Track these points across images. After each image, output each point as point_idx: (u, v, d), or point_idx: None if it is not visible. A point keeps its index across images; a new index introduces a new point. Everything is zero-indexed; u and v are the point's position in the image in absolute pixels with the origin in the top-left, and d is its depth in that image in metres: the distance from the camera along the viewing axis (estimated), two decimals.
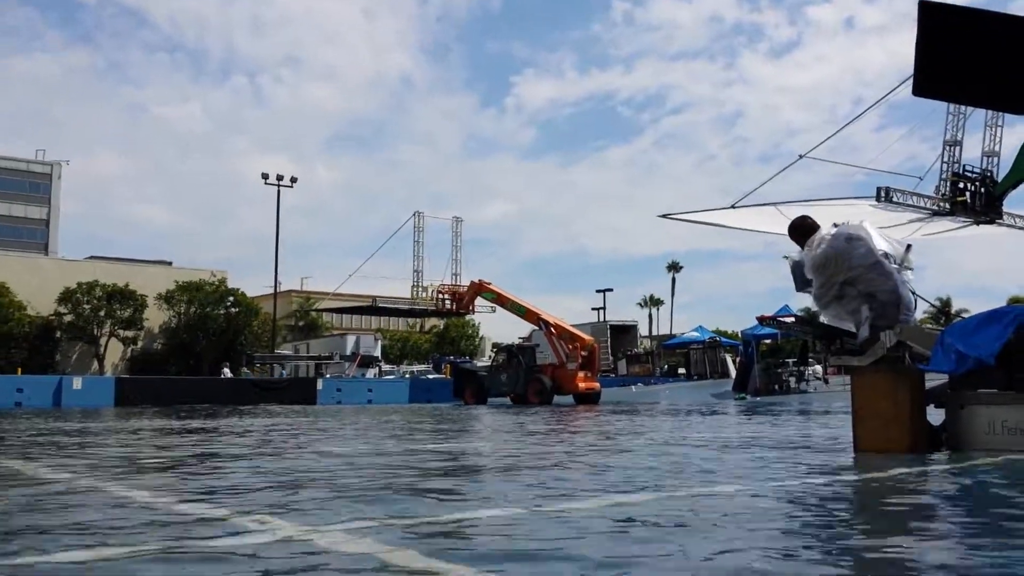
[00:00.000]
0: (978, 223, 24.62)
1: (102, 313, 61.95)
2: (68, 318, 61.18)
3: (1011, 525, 3.15)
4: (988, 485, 4.49)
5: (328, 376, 38.92)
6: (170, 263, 75.34)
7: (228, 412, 18.57)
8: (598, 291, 61.59)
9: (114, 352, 64.61)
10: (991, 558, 2.50)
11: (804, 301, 7.03)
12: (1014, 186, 23.25)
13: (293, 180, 49.43)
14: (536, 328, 30.17)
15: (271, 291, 51.12)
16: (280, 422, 13.26)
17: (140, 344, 65.63)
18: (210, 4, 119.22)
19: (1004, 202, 24.53)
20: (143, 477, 5.21)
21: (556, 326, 29.58)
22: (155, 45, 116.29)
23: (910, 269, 7.11)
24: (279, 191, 48.29)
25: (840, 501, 4.13)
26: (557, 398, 28.01)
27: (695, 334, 44.13)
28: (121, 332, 63.38)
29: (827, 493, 4.29)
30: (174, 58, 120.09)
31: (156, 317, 65.07)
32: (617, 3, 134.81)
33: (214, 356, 61.90)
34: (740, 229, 21.67)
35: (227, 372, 44.03)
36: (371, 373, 42.55)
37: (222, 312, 64.65)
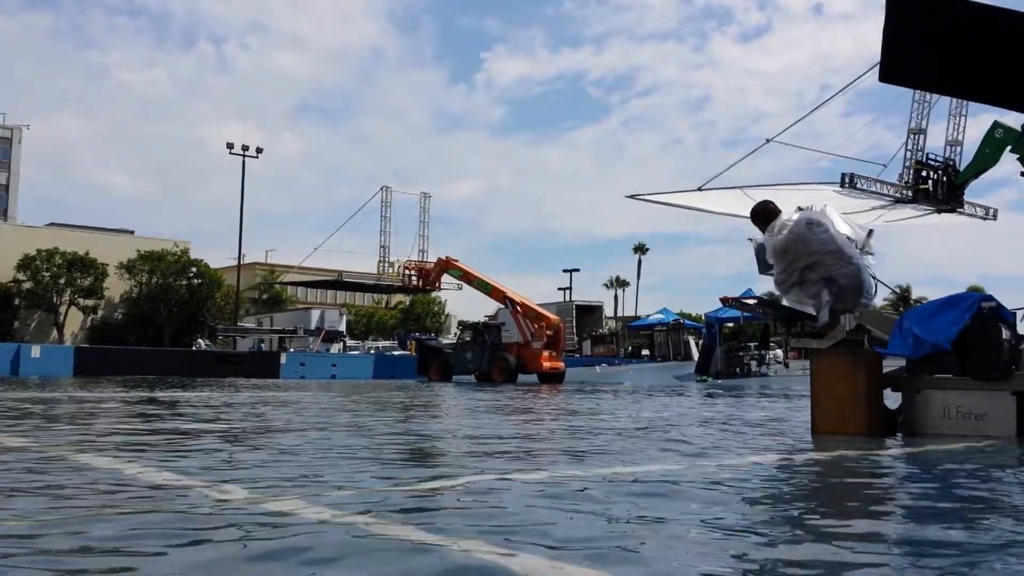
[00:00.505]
0: (940, 211, 24.97)
1: (62, 281, 60.78)
2: (27, 285, 59.98)
3: (947, 506, 3.20)
4: (933, 470, 4.56)
5: (292, 350, 38.65)
6: (132, 232, 74.02)
7: (191, 385, 18.37)
8: (565, 271, 61.80)
9: (74, 321, 63.53)
10: (920, 540, 2.53)
11: (767, 285, 7.08)
12: (976, 175, 23.76)
13: (259, 151, 48.82)
14: (502, 307, 30.19)
15: (235, 263, 50.56)
16: (242, 399, 13.14)
17: (100, 313, 64.58)
18: None
19: (965, 191, 24.91)
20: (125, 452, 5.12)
21: (522, 305, 29.61)
22: (117, 8, 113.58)
23: (871, 254, 7.18)
24: (244, 161, 47.68)
25: (786, 479, 4.17)
26: (521, 377, 28.09)
27: (660, 316, 44.39)
28: (81, 301, 62.28)
29: (775, 471, 4.33)
30: (136, 22, 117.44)
31: (117, 287, 64.02)
32: None
33: (175, 327, 61.15)
34: (706, 212, 21.74)
35: (202, 344, 43.55)
36: (335, 348, 42.29)
37: (184, 283, 63.75)
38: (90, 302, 62.66)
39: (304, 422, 7.46)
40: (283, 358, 33.30)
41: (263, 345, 41.62)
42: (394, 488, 3.43)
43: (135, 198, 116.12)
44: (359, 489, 3.38)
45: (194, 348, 39.04)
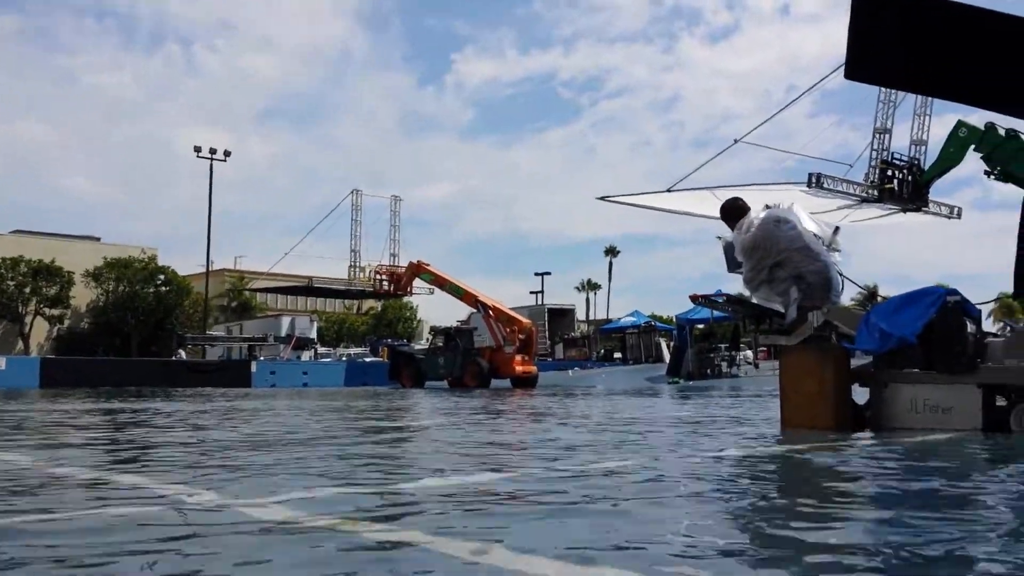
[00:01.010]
0: (905, 211, 25.26)
1: (27, 290, 59.85)
2: None
3: (911, 498, 3.19)
4: (897, 462, 4.57)
5: (262, 358, 38.27)
6: (98, 239, 73.08)
7: (162, 395, 18.13)
8: (536, 274, 61.79)
9: (39, 331, 62.58)
10: (881, 532, 2.52)
11: (737, 285, 7.09)
12: (940, 175, 24.03)
13: (227, 154, 48.30)
14: (474, 311, 30.08)
15: (203, 269, 50.01)
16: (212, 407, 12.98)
17: (67, 323, 63.66)
18: None
19: (930, 190, 25.23)
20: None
21: (494, 309, 29.53)
22: (84, 10, 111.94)
23: (838, 251, 7.22)
24: (212, 165, 47.19)
25: (753, 473, 4.16)
26: (494, 381, 28.01)
27: (631, 319, 44.51)
28: (47, 310, 61.36)
29: (742, 466, 4.32)
30: (103, 24, 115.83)
31: (83, 295, 63.14)
32: None
33: (143, 336, 60.40)
34: (676, 213, 21.82)
35: (182, 355, 42.94)
36: (307, 356, 41.94)
37: (152, 291, 63.01)
38: (56, 311, 61.74)
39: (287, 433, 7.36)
40: (254, 367, 32.94)
41: (230, 353, 41.12)
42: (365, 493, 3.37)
43: (101, 203, 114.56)
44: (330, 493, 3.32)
45: (174, 359, 38.54)
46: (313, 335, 46.06)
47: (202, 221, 47.57)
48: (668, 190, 20.82)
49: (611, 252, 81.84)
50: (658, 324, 43.63)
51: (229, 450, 5.26)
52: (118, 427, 7.61)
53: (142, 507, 2.88)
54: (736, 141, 22.08)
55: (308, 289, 48.52)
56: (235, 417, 9.05)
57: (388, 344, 44.79)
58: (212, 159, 47.16)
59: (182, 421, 8.29)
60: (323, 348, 48.90)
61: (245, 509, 2.81)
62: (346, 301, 66.54)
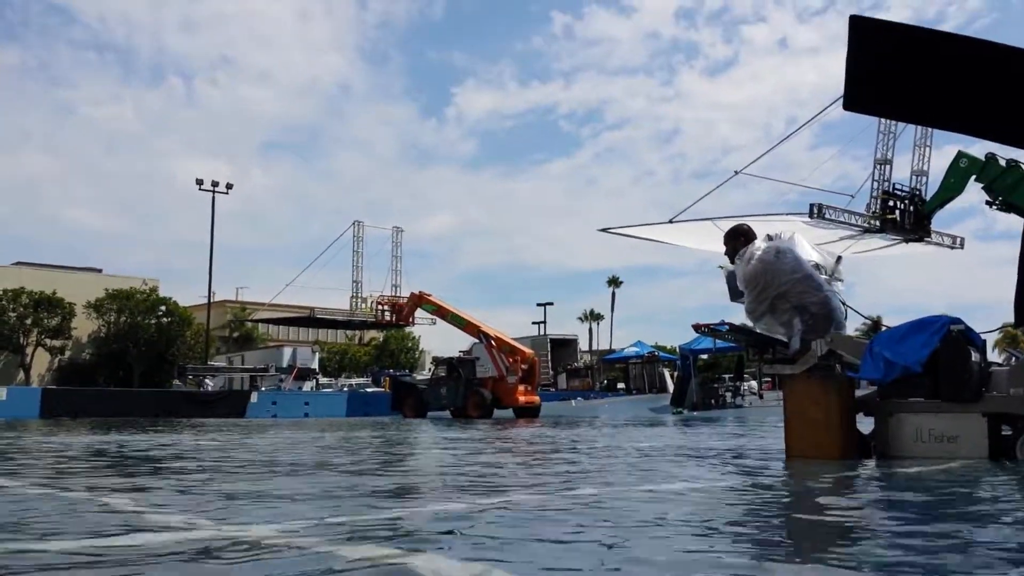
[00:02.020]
0: (908, 241, 25.27)
1: (28, 321, 59.90)
2: None
3: (918, 528, 3.17)
4: (904, 493, 4.54)
5: (263, 389, 38.17)
6: (100, 270, 73.26)
7: (161, 427, 18.04)
8: (539, 304, 61.71)
9: (41, 362, 62.53)
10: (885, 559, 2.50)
11: (741, 314, 7.09)
12: (941, 205, 24.00)
13: (229, 186, 48.60)
14: (476, 341, 30.04)
15: (205, 301, 50.07)
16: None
17: (68, 354, 63.63)
18: (139, 2, 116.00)
19: (932, 221, 25.26)
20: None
21: (496, 339, 29.49)
22: (84, 44, 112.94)
23: (840, 281, 7.22)
24: (214, 197, 47.43)
25: (759, 503, 4.13)
26: (497, 412, 27.90)
27: (634, 349, 44.46)
28: (48, 341, 61.35)
29: (748, 495, 4.28)
30: (103, 57, 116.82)
31: (85, 326, 63.18)
32: (557, 16, 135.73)
33: (145, 367, 60.33)
34: (677, 245, 21.83)
35: (180, 385, 42.84)
36: (308, 386, 41.86)
37: (153, 322, 63.03)
38: (57, 342, 61.75)
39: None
40: (254, 397, 32.85)
41: (231, 383, 40.98)
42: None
43: (103, 235, 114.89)
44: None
45: (173, 389, 38.51)
46: (315, 365, 46.04)
47: (203, 253, 47.83)
48: (670, 221, 20.83)
49: (614, 282, 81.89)
50: (661, 354, 43.59)
51: (235, 476, 5.23)
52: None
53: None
54: (737, 172, 22.14)
55: (310, 320, 48.53)
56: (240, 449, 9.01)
57: (390, 374, 44.75)
58: (214, 191, 47.43)
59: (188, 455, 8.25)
60: (325, 379, 48.84)
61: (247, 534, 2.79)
62: (348, 332, 66.57)
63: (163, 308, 63.28)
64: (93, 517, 3.41)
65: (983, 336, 6.30)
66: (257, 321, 66.00)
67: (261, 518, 3.29)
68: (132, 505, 3.77)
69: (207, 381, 40.33)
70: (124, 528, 3.09)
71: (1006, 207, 19.59)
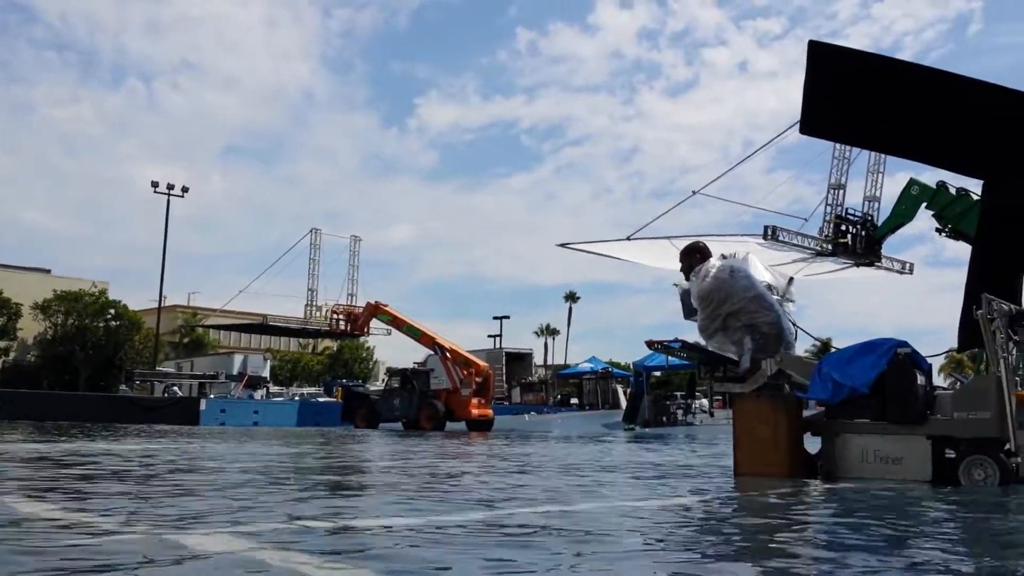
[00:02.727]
0: (858, 265, 25.76)
1: None
2: None
3: (853, 544, 3.19)
4: (840, 511, 4.58)
5: (212, 396, 37.54)
6: (48, 271, 71.59)
7: (109, 433, 17.64)
8: (495, 318, 61.66)
9: None
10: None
11: (695, 332, 7.13)
12: (893, 231, 24.61)
13: (184, 190, 47.83)
14: (431, 353, 29.90)
15: (155, 305, 49.19)
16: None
17: (12, 355, 61.99)
18: (104, 2, 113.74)
19: (883, 246, 25.79)
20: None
21: (452, 351, 29.38)
22: (44, 43, 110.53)
23: (792, 302, 7.32)
24: (169, 200, 46.69)
25: (705, 519, 4.13)
26: (449, 424, 27.76)
27: (589, 365, 44.57)
28: None
29: (695, 512, 4.29)
30: (63, 57, 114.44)
31: (31, 327, 61.61)
32: (522, 32, 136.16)
33: (92, 371, 59.02)
34: (635, 262, 22.00)
35: (127, 390, 41.93)
36: (258, 394, 41.24)
37: (102, 325, 61.68)
38: (2, 343, 60.15)
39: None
40: (203, 404, 32.29)
41: (176, 390, 40.21)
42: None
43: (57, 236, 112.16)
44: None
45: (120, 394, 37.64)
46: (266, 373, 45.39)
47: (158, 257, 47.02)
48: (628, 238, 21.00)
49: (571, 298, 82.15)
50: (615, 371, 43.75)
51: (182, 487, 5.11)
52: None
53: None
54: (695, 193, 22.44)
55: (262, 327, 47.93)
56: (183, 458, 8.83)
57: (342, 384, 44.29)
58: (170, 194, 46.70)
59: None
60: (276, 387, 48.19)
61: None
62: (301, 340, 65.87)
63: (112, 311, 61.97)
64: None
65: (929, 360, 6.41)
66: (208, 327, 65.03)
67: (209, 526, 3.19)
68: None
69: (175, 389, 39.48)
70: None
71: (955, 235, 20.14)
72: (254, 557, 2.57)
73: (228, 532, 3.07)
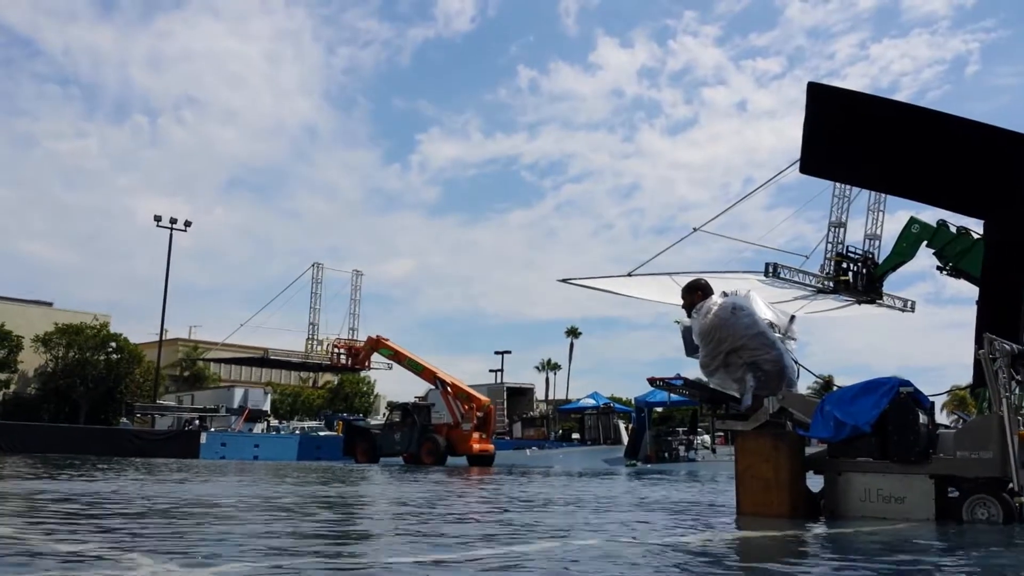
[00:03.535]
0: (859, 303, 25.78)
1: None
2: None
3: None
4: (848, 552, 4.57)
5: (213, 429, 37.44)
6: (50, 304, 71.69)
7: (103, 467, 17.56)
8: (497, 352, 61.60)
9: None
10: None
11: (696, 369, 7.15)
12: (893, 269, 24.67)
13: (187, 224, 48.14)
14: (432, 387, 29.87)
15: (156, 338, 49.20)
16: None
17: (13, 388, 61.86)
18: (106, 37, 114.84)
19: (884, 284, 25.83)
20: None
21: (453, 386, 29.36)
22: (47, 76, 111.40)
23: (793, 339, 7.33)
24: (172, 234, 46.94)
25: (707, 559, 4.13)
26: (450, 459, 27.64)
27: (590, 400, 44.45)
28: None
29: (697, 551, 4.28)
30: (67, 91, 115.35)
31: (32, 360, 61.54)
32: (523, 71, 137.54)
33: (92, 404, 58.85)
34: (635, 298, 22.04)
35: (128, 423, 41.77)
36: (259, 428, 41.14)
37: (103, 358, 61.61)
38: (2, 376, 60.05)
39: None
40: (203, 438, 32.21)
41: (181, 423, 40.11)
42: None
43: (57, 269, 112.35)
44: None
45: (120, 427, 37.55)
46: (266, 407, 45.35)
47: (159, 290, 47.13)
48: (629, 274, 21.06)
49: (572, 333, 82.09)
50: (617, 406, 43.62)
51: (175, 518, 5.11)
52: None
53: None
54: (695, 230, 22.52)
55: (263, 361, 47.89)
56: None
57: (343, 418, 44.15)
58: (172, 228, 46.96)
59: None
60: (276, 421, 48.05)
61: None
62: (302, 374, 65.73)
63: (113, 344, 61.92)
64: None
65: (931, 398, 6.41)
66: (209, 360, 64.93)
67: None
68: None
69: (161, 419, 39.34)
70: None
71: (956, 273, 20.21)
72: None
73: None
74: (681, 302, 7.28)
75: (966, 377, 6.66)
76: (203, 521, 5.32)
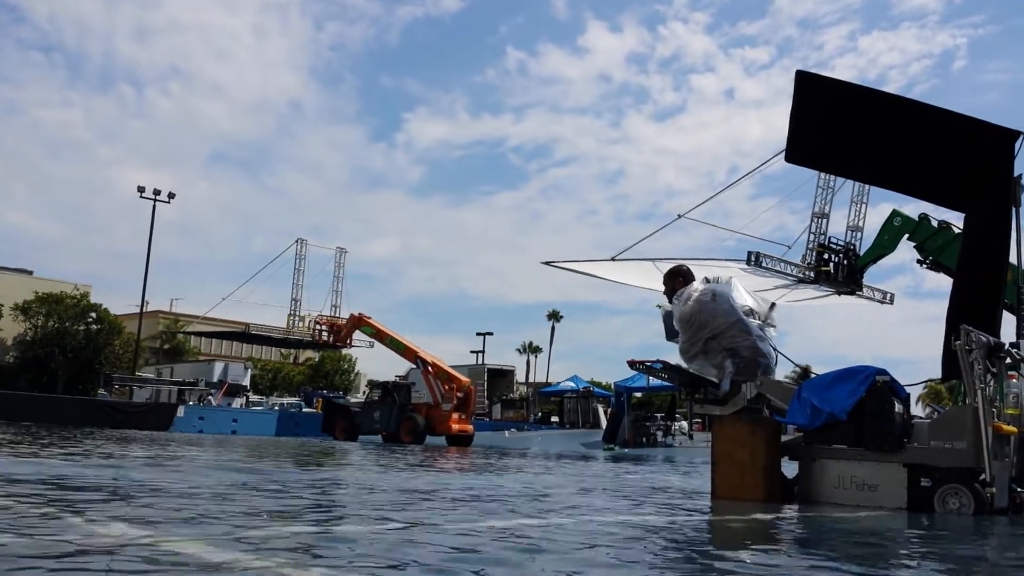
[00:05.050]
0: (840, 293, 25.94)
1: None
2: None
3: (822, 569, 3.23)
4: (816, 536, 4.62)
5: (191, 403, 37.29)
6: (31, 272, 71.04)
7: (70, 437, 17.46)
8: (478, 334, 61.61)
9: None
10: None
11: (677, 355, 7.18)
12: (874, 261, 24.82)
13: (171, 196, 47.68)
14: (413, 366, 29.86)
15: (137, 310, 48.89)
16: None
17: None
18: (93, 7, 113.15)
19: (864, 275, 25.99)
20: None
21: (434, 366, 29.34)
22: (31, 43, 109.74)
23: (773, 327, 7.37)
24: (155, 205, 46.52)
25: (678, 539, 4.16)
26: (429, 438, 27.69)
27: (570, 383, 44.56)
28: None
29: (669, 532, 4.32)
30: (51, 59, 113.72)
31: (11, 328, 61.00)
32: (512, 52, 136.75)
33: (70, 374, 58.48)
34: (618, 283, 22.05)
35: (105, 395, 41.54)
36: (238, 403, 41.01)
37: (82, 328, 61.18)
38: None
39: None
40: (180, 411, 32.07)
41: (159, 396, 39.87)
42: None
43: (39, 238, 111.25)
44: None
45: (97, 398, 37.33)
46: (246, 382, 45.15)
47: (140, 262, 46.89)
48: (612, 259, 21.06)
49: (554, 316, 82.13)
50: (596, 390, 43.77)
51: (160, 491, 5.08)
52: None
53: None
54: (679, 216, 22.47)
55: (244, 335, 47.72)
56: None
57: (323, 395, 44.11)
58: (155, 200, 46.53)
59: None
60: (255, 396, 47.92)
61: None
62: (283, 350, 65.53)
63: (93, 315, 61.47)
64: None
65: (907, 389, 6.47)
66: (190, 333, 64.60)
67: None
68: None
69: (140, 391, 39.07)
70: None
71: (936, 266, 20.35)
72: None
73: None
74: (663, 288, 7.32)
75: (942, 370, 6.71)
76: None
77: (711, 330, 6.72)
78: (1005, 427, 5.83)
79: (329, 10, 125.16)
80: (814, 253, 26.66)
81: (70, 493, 4.89)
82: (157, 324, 70.26)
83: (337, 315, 43.65)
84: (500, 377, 45.34)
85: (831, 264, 26.33)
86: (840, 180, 26.70)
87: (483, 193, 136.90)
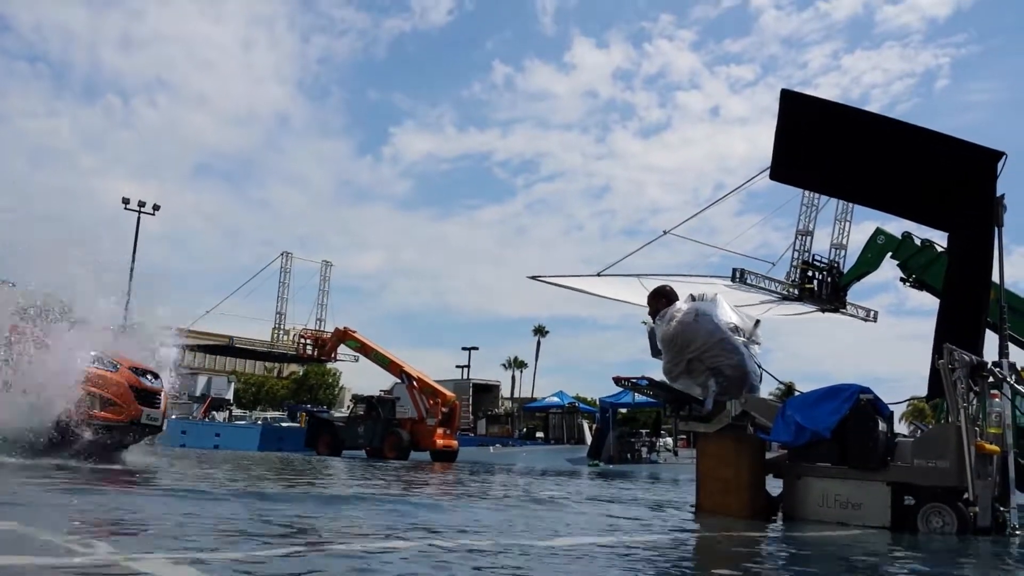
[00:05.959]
0: (823, 310, 26.09)
1: None
2: None
3: None
4: (800, 553, 4.61)
5: (173, 416, 36.98)
6: (13, 284, 70.47)
7: None
8: (464, 348, 61.42)
9: None
10: None
11: (661, 371, 7.19)
12: (858, 279, 24.94)
13: (156, 207, 47.42)
14: (398, 381, 29.75)
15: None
16: None
17: None
18: (79, 16, 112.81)
19: (848, 293, 26.14)
20: None
21: (419, 380, 29.24)
22: (16, 54, 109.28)
23: (757, 344, 7.39)
24: (139, 217, 46.21)
25: (663, 556, 4.15)
26: (413, 454, 27.57)
27: (555, 399, 44.52)
28: None
29: (654, 548, 4.30)
30: (35, 69, 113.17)
31: None
32: (499, 67, 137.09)
33: None
34: (604, 298, 22.10)
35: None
36: (221, 417, 40.75)
37: None
38: None
39: None
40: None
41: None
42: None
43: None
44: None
45: None
46: (229, 396, 44.89)
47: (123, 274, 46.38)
48: (598, 274, 21.11)
49: (540, 331, 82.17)
50: (582, 406, 43.74)
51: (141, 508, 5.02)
52: None
53: None
54: (665, 232, 22.58)
55: (228, 349, 47.46)
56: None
57: (307, 410, 43.87)
58: (140, 211, 46.28)
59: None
60: (239, 410, 47.65)
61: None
62: (267, 363, 65.23)
63: None
64: None
65: (891, 407, 6.50)
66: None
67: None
68: None
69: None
70: None
71: (919, 285, 20.46)
72: None
73: None
74: (648, 307, 7.33)
75: (925, 388, 6.74)
76: None
77: (693, 350, 6.73)
78: (988, 446, 5.85)
79: (316, 23, 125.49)
80: (798, 270, 26.86)
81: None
82: None
83: (322, 328, 43.57)
84: (485, 392, 45.22)
85: (815, 281, 26.50)
86: (824, 198, 26.95)
87: (469, 207, 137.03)
